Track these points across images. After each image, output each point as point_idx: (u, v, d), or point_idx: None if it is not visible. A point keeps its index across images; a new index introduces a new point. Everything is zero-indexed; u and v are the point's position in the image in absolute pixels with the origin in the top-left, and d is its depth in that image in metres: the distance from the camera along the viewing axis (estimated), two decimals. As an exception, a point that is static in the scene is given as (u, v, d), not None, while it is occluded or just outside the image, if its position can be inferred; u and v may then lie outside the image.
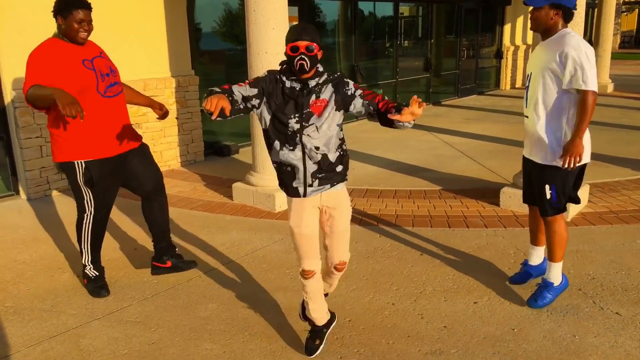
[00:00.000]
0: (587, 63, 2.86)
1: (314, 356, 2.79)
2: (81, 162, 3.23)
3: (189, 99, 6.72)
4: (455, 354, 2.80)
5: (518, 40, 13.99)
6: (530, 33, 13.65)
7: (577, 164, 2.96)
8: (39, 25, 5.36)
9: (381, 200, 5.24)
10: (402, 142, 7.83)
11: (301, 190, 2.58)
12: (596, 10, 13.15)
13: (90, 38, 3.28)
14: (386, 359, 2.77)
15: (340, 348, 2.87)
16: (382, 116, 2.47)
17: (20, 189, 5.55)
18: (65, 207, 5.26)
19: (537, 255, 3.46)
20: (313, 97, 2.49)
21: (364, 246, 4.13)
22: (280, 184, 2.67)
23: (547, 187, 3.07)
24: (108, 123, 3.27)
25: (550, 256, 3.19)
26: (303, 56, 2.38)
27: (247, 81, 2.53)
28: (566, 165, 2.95)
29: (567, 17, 3.02)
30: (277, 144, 2.55)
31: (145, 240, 4.37)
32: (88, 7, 3.15)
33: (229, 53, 7.82)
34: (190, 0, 6.86)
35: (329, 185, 2.60)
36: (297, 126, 2.49)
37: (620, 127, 8.44)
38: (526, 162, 3.28)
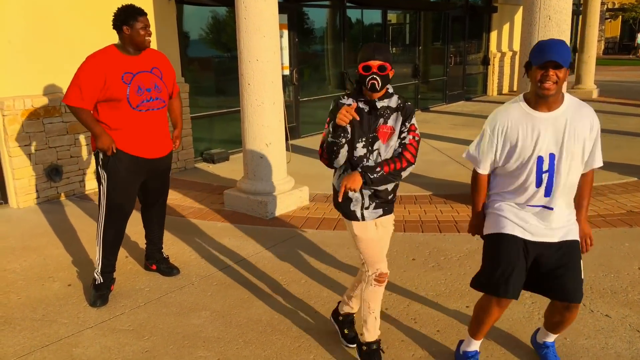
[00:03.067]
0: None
1: None
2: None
3: (179, 106, 6.71)
4: (448, 358, 2.82)
5: (504, 47, 14.14)
6: (517, 40, 13.83)
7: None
8: (28, 34, 5.34)
9: (372, 206, 5.25)
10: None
11: (359, 214, 2.60)
12: (581, 17, 13.36)
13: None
14: (380, 363, 2.79)
15: (334, 354, 2.88)
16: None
17: (10, 197, 5.50)
18: (54, 215, 5.22)
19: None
20: (381, 121, 2.50)
21: (356, 252, 4.14)
22: (341, 211, 2.68)
23: (581, 262, 2.48)
24: (137, 132, 3.40)
25: (559, 331, 2.68)
26: (375, 75, 2.40)
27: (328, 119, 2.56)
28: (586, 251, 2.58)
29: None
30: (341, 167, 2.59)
31: (136, 248, 4.35)
32: (146, 14, 3.35)
33: (218, 60, 7.83)
34: (180, 8, 6.87)
35: (381, 211, 2.63)
36: (363, 151, 2.50)
37: (606, 132, 8.54)
38: (533, 247, 2.46)
